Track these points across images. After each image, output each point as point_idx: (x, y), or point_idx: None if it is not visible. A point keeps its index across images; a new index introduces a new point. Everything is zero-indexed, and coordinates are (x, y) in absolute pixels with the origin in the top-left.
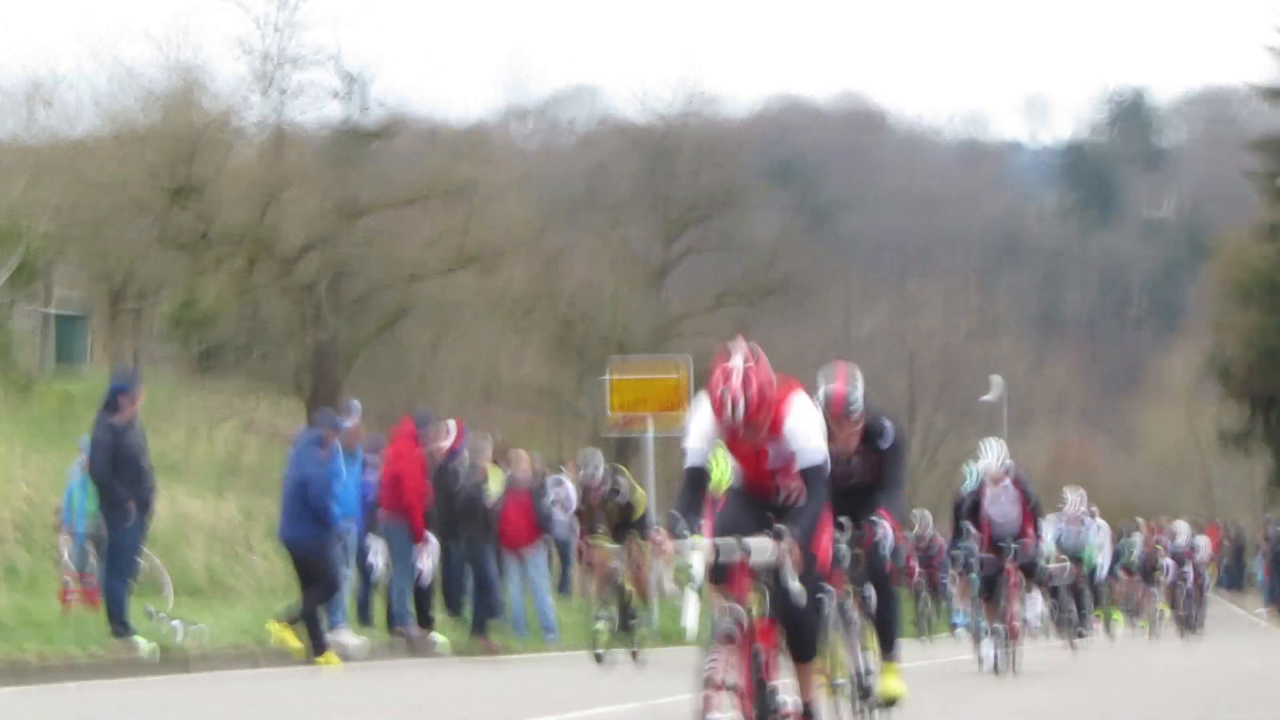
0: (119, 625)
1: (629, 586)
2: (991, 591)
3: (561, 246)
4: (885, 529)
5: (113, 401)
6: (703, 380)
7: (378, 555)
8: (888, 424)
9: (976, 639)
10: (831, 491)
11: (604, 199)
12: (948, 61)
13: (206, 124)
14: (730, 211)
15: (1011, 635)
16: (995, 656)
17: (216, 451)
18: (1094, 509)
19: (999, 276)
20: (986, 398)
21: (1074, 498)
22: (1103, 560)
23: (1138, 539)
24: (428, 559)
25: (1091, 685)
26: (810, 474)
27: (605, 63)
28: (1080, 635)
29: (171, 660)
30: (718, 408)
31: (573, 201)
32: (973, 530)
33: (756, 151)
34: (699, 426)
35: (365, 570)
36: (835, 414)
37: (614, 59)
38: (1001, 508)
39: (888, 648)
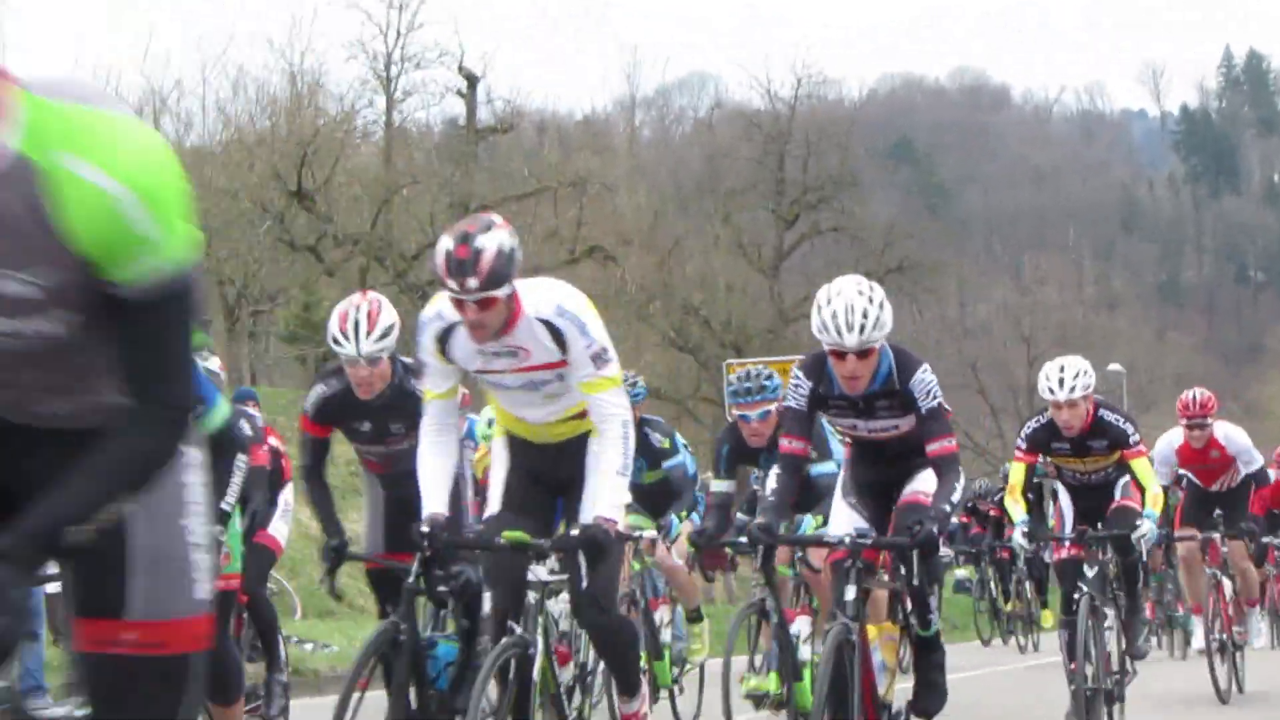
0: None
1: None
2: None
3: (678, 236)
4: None
5: None
6: None
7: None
8: None
9: None
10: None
11: (719, 187)
12: (1064, 32)
13: (325, 126)
14: (846, 194)
15: None
16: None
17: (337, 468)
18: None
19: (1116, 250)
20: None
21: None
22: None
23: None
24: None
25: None
26: None
27: (719, 50)
28: None
29: (305, 683)
30: None
31: (689, 191)
32: None
33: (872, 131)
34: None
35: None
36: None
37: (728, 46)
38: None
39: None
